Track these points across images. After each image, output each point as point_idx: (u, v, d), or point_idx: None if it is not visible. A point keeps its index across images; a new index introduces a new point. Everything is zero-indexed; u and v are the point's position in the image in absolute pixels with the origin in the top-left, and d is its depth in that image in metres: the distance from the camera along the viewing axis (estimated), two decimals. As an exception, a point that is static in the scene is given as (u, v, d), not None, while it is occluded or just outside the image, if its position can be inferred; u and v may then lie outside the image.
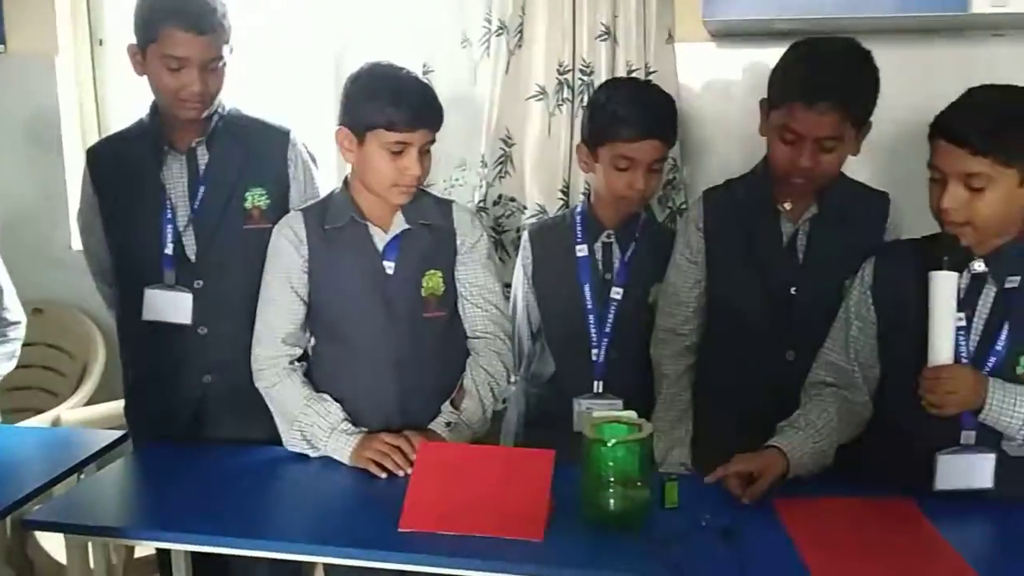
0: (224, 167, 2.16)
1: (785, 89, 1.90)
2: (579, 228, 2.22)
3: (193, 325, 2.14)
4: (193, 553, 2.03)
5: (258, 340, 2.06)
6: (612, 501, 1.64)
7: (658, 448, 2.11)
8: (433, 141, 1.98)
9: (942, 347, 1.70)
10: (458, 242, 2.08)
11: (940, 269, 1.70)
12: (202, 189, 2.15)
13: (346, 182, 2.06)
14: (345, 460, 1.96)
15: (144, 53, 2.05)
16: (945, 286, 1.70)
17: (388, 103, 1.90)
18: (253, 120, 2.22)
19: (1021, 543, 1.66)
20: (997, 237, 1.73)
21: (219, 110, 2.15)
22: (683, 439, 2.12)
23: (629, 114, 2.06)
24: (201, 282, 2.14)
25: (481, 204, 2.70)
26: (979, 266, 1.75)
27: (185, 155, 2.15)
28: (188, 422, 2.17)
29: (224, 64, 2.08)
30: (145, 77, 2.09)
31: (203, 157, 2.16)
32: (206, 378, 2.17)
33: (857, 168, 2.08)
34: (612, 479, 1.64)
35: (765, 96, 1.98)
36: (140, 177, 2.15)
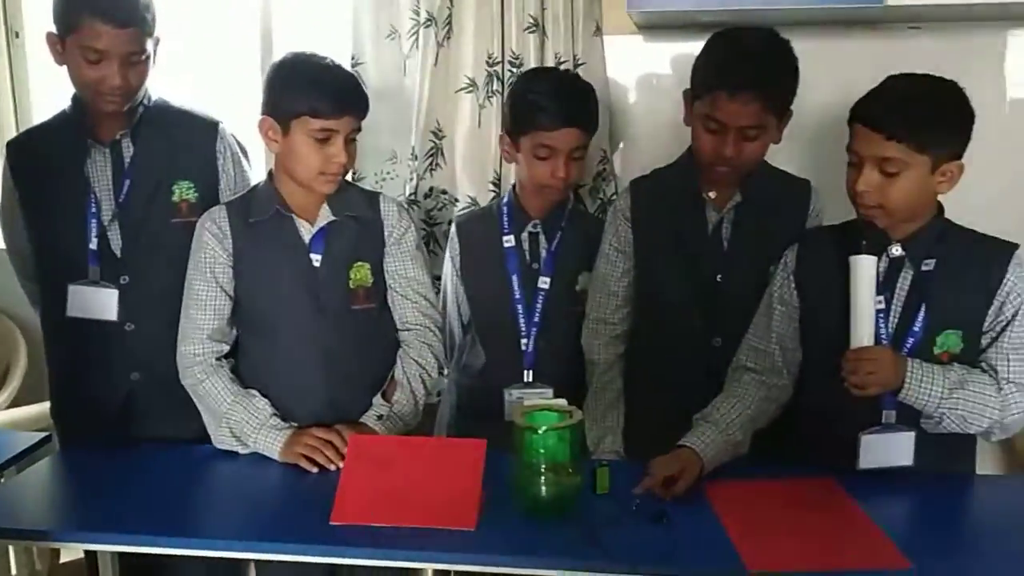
0: (150, 160, 2.11)
1: (708, 79, 1.92)
2: (505, 219, 2.23)
3: (119, 321, 2.10)
4: (122, 557, 1.98)
5: (183, 337, 2.02)
6: (544, 488, 1.65)
7: (590, 436, 2.12)
8: (359, 129, 1.97)
9: (863, 330, 1.75)
10: (386, 234, 2.07)
11: (860, 254, 1.75)
12: (127, 182, 2.10)
13: (270, 174, 2.04)
14: (275, 456, 1.94)
15: (63, 43, 2.00)
16: (865, 270, 1.75)
17: (313, 90, 1.89)
18: (180, 111, 2.18)
19: (937, 516, 1.72)
20: (910, 221, 1.79)
21: (144, 101, 2.11)
22: (615, 427, 2.14)
23: (548, 103, 2.07)
24: (127, 278, 2.10)
25: (412, 197, 2.68)
26: (896, 250, 1.80)
27: (109, 148, 2.10)
28: (116, 420, 2.12)
29: (147, 57, 2.04)
30: (65, 67, 2.03)
31: (128, 150, 2.11)
32: (134, 375, 2.13)
33: (780, 157, 2.12)
34: (544, 466, 1.64)
35: (688, 87, 2.01)
36: (62, 170, 2.10)
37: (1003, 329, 1.77)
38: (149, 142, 2.11)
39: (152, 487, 1.87)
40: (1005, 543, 1.63)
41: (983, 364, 1.79)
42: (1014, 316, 1.76)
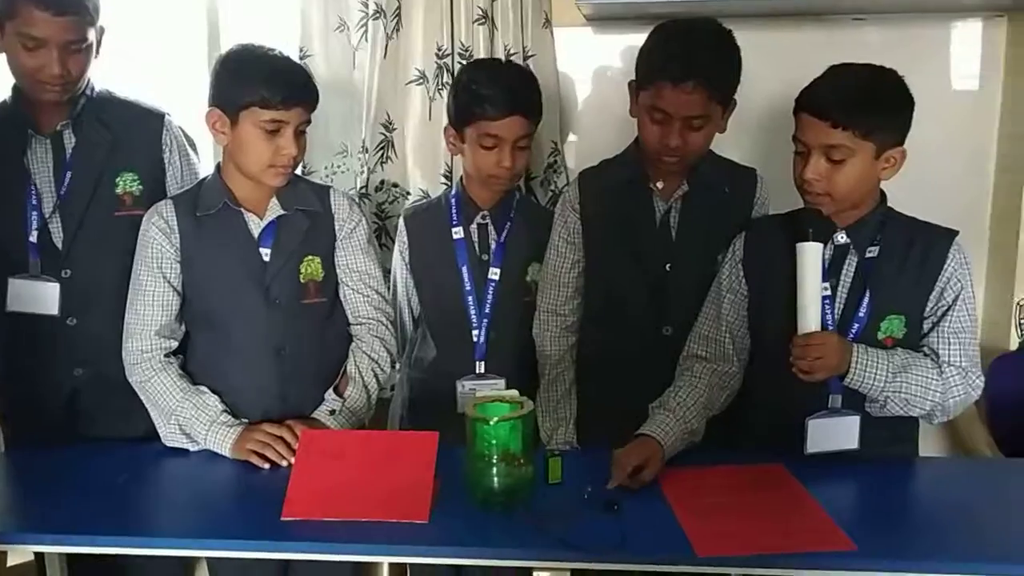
0: (92, 151, 2.07)
1: (652, 70, 1.93)
2: (454, 210, 2.21)
3: (61, 316, 2.06)
4: (71, 559, 1.95)
5: (130, 333, 1.99)
6: (496, 479, 1.65)
7: (543, 428, 2.14)
8: (308, 122, 1.95)
9: (810, 316, 1.77)
10: (337, 227, 2.06)
11: (806, 241, 1.77)
12: (69, 174, 2.06)
13: (218, 168, 2.02)
14: (226, 453, 1.92)
15: (2, 29, 1.95)
16: (811, 257, 1.77)
17: (261, 81, 1.87)
18: (125, 102, 2.15)
19: (882, 498, 1.76)
20: (855, 208, 1.82)
21: (87, 92, 2.08)
22: (568, 418, 2.15)
23: (491, 92, 2.07)
24: (69, 271, 2.06)
25: (363, 190, 2.66)
26: (842, 237, 1.83)
27: (50, 139, 2.06)
28: (60, 418, 2.09)
29: (89, 46, 2.00)
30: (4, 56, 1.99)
31: (69, 141, 2.07)
32: (77, 371, 2.09)
33: (727, 148, 2.14)
34: (496, 457, 1.64)
35: (633, 78, 2.01)
36: (1, 162, 2.05)
37: (944, 314, 1.81)
38: (91, 133, 2.08)
39: (101, 486, 1.83)
40: (946, 523, 1.68)
41: (925, 348, 1.83)
42: (954, 301, 1.80)
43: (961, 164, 2.63)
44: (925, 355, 1.82)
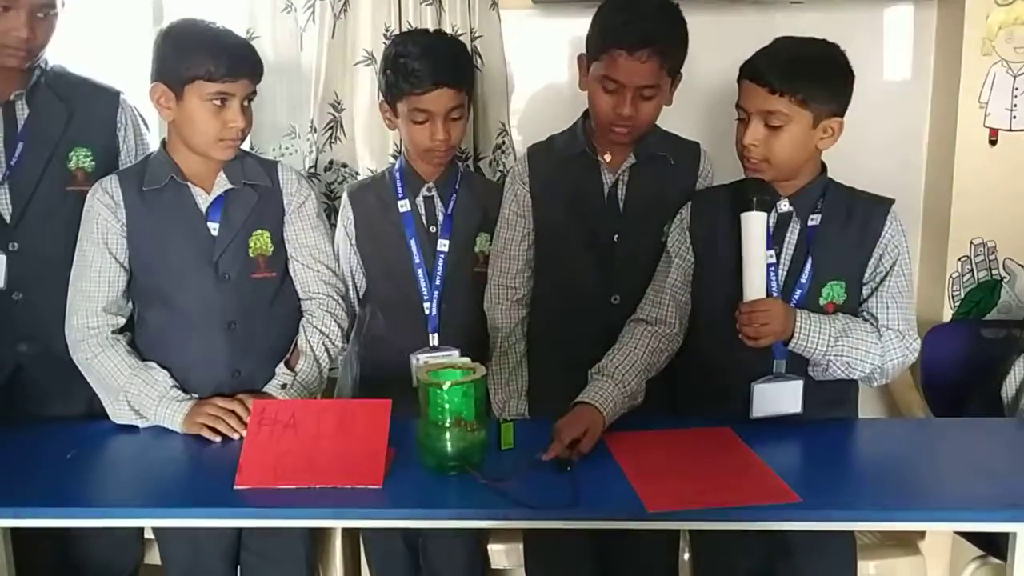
0: (46, 124, 2.04)
1: (605, 40, 1.95)
2: (399, 184, 2.20)
3: (7, 290, 2.02)
4: (18, 542, 1.91)
5: (75, 310, 1.97)
6: (450, 443, 1.66)
7: (495, 401, 2.15)
8: (255, 93, 1.95)
9: (755, 282, 1.82)
10: (285, 202, 2.05)
11: (750, 210, 1.81)
12: (20, 145, 2.02)
13: (164, 143, 2.01)
14: (177, 428, 1.90)
15: None
16: (755, 225, 1.82)
17: (206, 53, 1.87)
18: (80, 78, 2.13)
19: (824, 456, 1.82)
20: (793, 177, 1.87)
21: (42, 64, 2.05)
22: (519, 390, 2.17)
23: (417, 66, 2.05)
24: (16, 244, 2.02)
25: (312, 170, 2.66)
26: (785, 206, 1.88)
27: (2, 108, 2.03)
28: (2, 394, 2.04)
29: (56, 14, 1.98)
30: None
31: (22, 112, 2.04)
32: (21, 347, 2.05)
33: (674, 127, 2.17)
34: (449, 422, 1.65)
35: (583, 52, 2.04)
36: None
37: (882, 279, 1.87)
38: (46, 106, 2.05)
39: (46, 463, 1.81)
40: (881, 476, 1.74)
41: (864, 313, 1.89)
42: (892, 267, 1.86)
43: (895, 144, 2.71)
44: (865, 320, 1.87)
